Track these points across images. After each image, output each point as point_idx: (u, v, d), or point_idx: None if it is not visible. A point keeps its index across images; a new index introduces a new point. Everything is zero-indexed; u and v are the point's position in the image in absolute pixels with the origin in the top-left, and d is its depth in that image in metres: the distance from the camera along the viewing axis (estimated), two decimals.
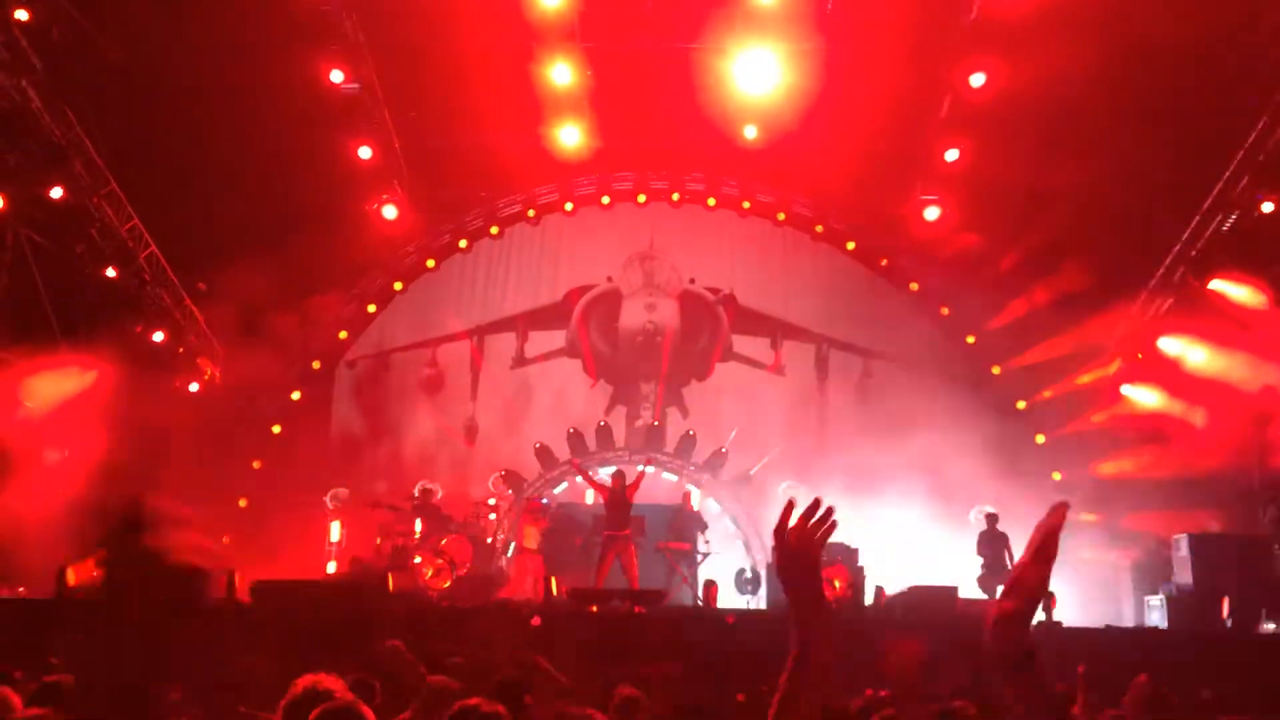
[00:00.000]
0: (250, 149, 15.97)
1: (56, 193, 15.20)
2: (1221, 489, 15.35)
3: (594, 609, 13.08)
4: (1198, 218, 16.31)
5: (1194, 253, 16.55)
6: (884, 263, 20.11)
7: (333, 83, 16.16)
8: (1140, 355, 17.66)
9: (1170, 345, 17.17)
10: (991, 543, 15.85)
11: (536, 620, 11.52)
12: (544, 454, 18.72)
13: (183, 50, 14.94)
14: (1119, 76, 14.71)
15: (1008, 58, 15.45)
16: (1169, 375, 17.01)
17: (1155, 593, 14.49)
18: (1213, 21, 13.88)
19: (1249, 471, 14.63)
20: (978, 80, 16.14)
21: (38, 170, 14.97)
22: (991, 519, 16.06)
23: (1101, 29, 14.37)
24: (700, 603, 15.13)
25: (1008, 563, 15.13)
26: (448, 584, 14.14)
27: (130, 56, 14.91)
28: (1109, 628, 13.65)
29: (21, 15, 13.99)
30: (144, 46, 14.91)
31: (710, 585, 14.79)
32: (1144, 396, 17.59)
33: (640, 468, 16.17)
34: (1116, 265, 16.39)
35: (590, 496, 16.23)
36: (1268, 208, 15.50)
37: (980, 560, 15.83)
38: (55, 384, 15.34)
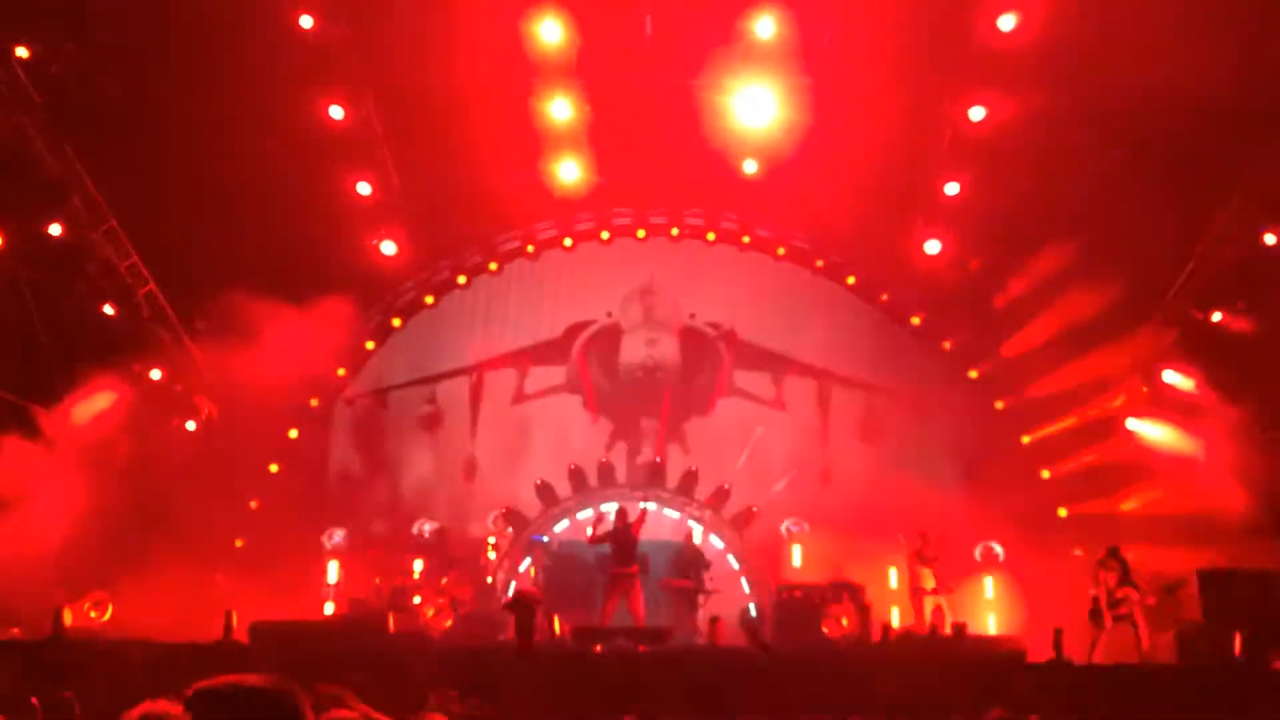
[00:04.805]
0: (250, 185, 15.95)
1: (55, 230, 15.15)
2: (1229, 524, 15.17)
3: (598, 648, 12.88)
4: (1201, 249, 16.25)
5: (1197, 285, 16.48)
6: (885, 297, 20.04)
7: (333, 119, 16.16)
8: (1145, 388, 17.54)
9: (1174, 378, 17.06)
10: None
11: None
12: (545, 491, 18.52)
13: (183, 87, 14.95)
14: (1119, 110, 14.70)
15: (1007, 91, 15.46)
16: (1174, 408, 16.88)
17: (1165, 629, 14.28)
18: (1211, 54, 13.86)
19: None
20: (977, 114, 16.15)
21: (36, 207, 14.93)
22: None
23: (1101, 64, 14.38)
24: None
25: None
26: (449, 623, 13.92)
27: (130, 93, 14.91)
28: (1119, 665, 13.43)
29: (22, 53, 14.00)
30: (144, 83, 14.92)
31: (716, 622, 14.58)
32: (1149, 430, 17.43)
33: (641, 505, 16.00)
34: (1120, 297, 16.31)
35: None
36: (1270, 239, 15.45)
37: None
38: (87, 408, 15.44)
